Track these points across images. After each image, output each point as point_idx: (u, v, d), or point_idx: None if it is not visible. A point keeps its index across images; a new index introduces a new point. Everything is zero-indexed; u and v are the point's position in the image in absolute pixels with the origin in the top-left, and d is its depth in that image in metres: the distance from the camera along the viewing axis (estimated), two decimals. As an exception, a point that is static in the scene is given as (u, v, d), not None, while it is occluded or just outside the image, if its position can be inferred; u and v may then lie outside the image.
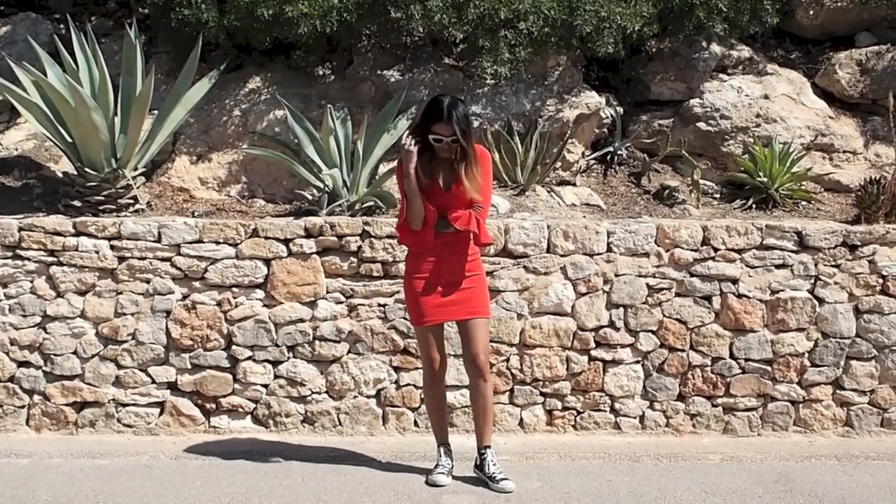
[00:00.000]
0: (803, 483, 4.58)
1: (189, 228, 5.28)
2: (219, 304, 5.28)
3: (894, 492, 4.49)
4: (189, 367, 5.30)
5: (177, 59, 6.33)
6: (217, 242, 5.28)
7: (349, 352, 5.31)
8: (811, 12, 7.03)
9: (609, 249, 5.33)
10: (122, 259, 5.27)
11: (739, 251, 5.33)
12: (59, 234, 5.26)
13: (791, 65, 7.02)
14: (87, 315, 5.28)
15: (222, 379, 5.30)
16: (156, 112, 5.85)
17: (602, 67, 6.83)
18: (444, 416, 4.67)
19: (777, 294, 5.33)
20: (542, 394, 5.34)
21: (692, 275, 5.33)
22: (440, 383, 4.61)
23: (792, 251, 5.35)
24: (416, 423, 5.31)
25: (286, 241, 5.28)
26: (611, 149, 6.56)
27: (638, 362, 5.36)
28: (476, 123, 5.95)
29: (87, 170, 5.57)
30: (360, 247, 5.28)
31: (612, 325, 5.33)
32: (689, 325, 5.33)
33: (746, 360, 5.35)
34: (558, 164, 6.27)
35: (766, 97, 6.57)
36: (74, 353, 5.28)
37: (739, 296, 5.32)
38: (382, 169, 5.98)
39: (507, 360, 5.32)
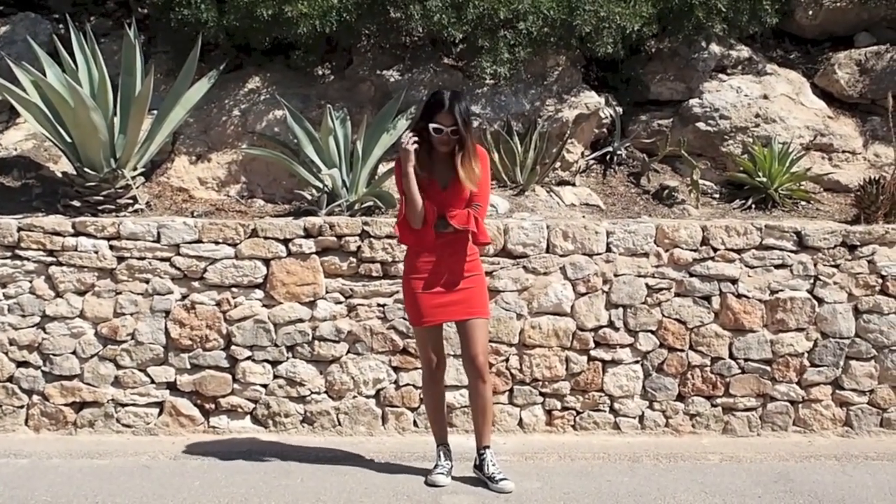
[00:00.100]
0: (803, 483, 4.58)
1: (188, 228, 5.28)
2: (218, 304, 5.27)
3: (894, 492, 4.49)
4: (188, 367, 5.30)
5: (176, 59, 6.33)
6: (216, 242, 5.28)
7: (348, 352, 5.31)
8: (810, 12, 7.03)
9: (608, 249, 5.33)
10: (121, 259, 5.27)
11: (739, 251, 5.33)
12: (58, 234, 5.26)
13: (790, 65, 7.03)
14: (87, 315, 5.27)
15: (221, 379, 5.30)
16: (155, 112, 5.85)
17: (601, 67, 6.83)
18: (443, 416, 4.67)
19: (776, 294, 5.33)
20: (541, 394, 5.34)
21: (691, 275, 5.33)
22: (439, 383, 4.61)
23: (791, 251, 5.35)
24: (415, 424, 5.31)
25: (285, 241, 5.28)
26: (610, 149, 6.56)
27: (637, 362, 5.36)
28: (475, 123, 5.94)
29: (86, 170, 5.56)
30: (359, 247, 5.27)
31: (611, 325, 5.33)
32: (689, 325, 5.33)
33: (746, 360, 5.35)
34: (558, 164, 6.27)
35: (766, 97, 6.58)
36: (73, 353, 5.28)
37: (739, 296, 5.32)
38: (382, 169, 5.98)
39: (507, 360, 5.32)
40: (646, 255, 5.34)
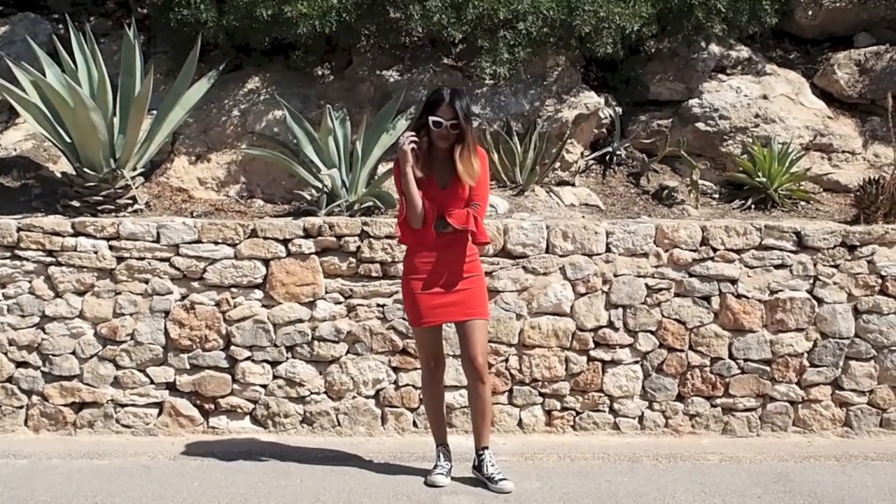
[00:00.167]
0: (802, 483, 4.58)
1: (188, 229, 5.28)
2: (217, 304, 5.27)
3: (893, 492, 4.49)
4: (188, 367, 5.29)
5: (176, 59, 6.33)
6: (216, 243, 5.27)
7: (348, 352, 5.31)
8: (810, 12, 7.03)
9: (608, 250, 5.33)
10: (120, 259, 5.26)
11: (738, 251, 5.33)
12: (57, 234, 5.26)
13: (790, 65, 7.03)
14: (86, 315, 5.27)
15: (221, 379, 5.30)
16: (154, 112, 5.85)
17: (601, 68, 6.83)
18: (442, 416, 4.67)
19: (776, 294, 5.33)
20: (541, 394, 5.34)
21: (691, 275, 5.33)
22: (439, 384, 4.61)
23: (791, 251, 5.35)
24: (414, 424, 5.31)
25: (285, 242, 5.28)
26: (610, 149, 6.56)
27: (637, 362, 5.36)
28: (475, 124, 5.94)
29: (85, 170, 5.56)
30: (358, 247, 5.27)
31: (611, 325, 5.33)
32: (688, 325, 5.33)
33: (745, 360, 5.35)
34: (557, 165, 6.27)
35: (765, 97, 6.58)
36: (73, 353, 5.28)
37: (738, 296, 5.32)
38: (381, 169, 5.98)
39: (506, 360, 5.32)
40: (645, 255, 5.33)
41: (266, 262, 5.28)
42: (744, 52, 6.87)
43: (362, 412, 5.31)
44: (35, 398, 5.28)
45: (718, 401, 5.37)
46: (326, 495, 4.34)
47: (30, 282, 5.26)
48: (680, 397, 5.37)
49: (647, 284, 5.32)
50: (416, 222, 4.32)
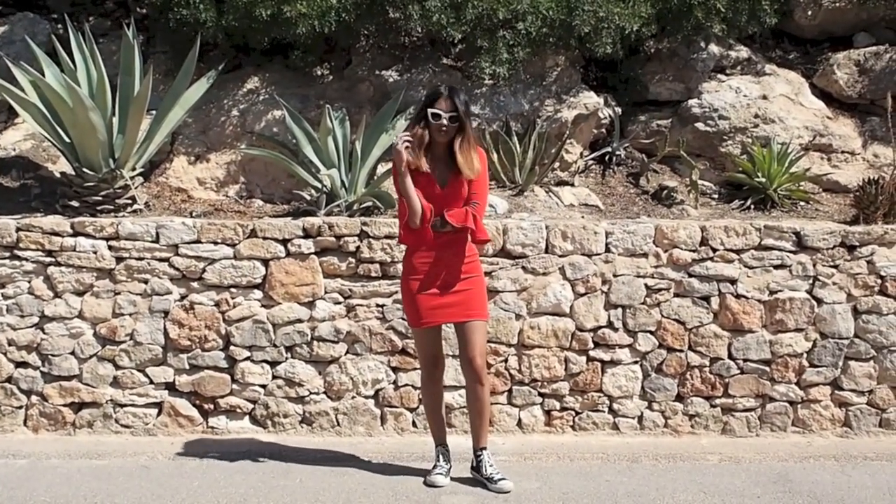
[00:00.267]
0: (802, 483, 4.58)
1: (187, 229, 5.27)
2: (217, 304, 5.27)
3: (893, 492, 4.49)
4: (187, 367, 5.29)
5: (175, 59, 6.33)
6: (215, 243, 5.27)
7: (347, 352, 5.31)
8: (809, 13, 7.03)
9: (607, 250, 5.33)
10: (119, 259, 5.26)
11: (738, 251, 5.33)
12: (56, 234, 5.25)
13: (789, 65, 7.03)
14: (85, 315, 5.27)
15: (220, 379, 5.29)
16: (154, 112, 5.85)
17: (600, 68, 6.83)
18: (442, 416, 4.67)
19: (775, 294, 5.33)
20: (540, 394, 5.34)
21: (690, 275, 5.33)
22: (438, 384, 4.61)
23: (790, 251, 5.35)
24: (414, 424, 5.31)
25: (284, 242, 5.27)
26: (609, 149, 6.56)
27: (636, 363, 5.36)
28: (474, 124, 5.94)
29: (84, 170, 5.56)
30: (358, 247, 5.27)
31: (610, 325, 5.33)
32: (688, 325, 5.33)
33: (745, 360, 5.35)
34: (556, 165, 6.27)
35: (765, 97, 6.58)
36: (72, 353, 5.27)
37: (738, 296, 5.32)
38: (381, 169, 5.98)
39: (506, 360, 5.32)
40: (645, 255, 5.33)
41: (265, 262, 5.28)
42: (743, 52, 6.87)
43: (362, 412, 5.31)
44: (34, 398, 5.28)
45: (718, 401, 5.36)
46: (326, 495, 4.33)
47: (29, 282, 5.25)
48: (679, 397, 5.37)
49: (646, 284, 5.32)
50: (414, 220, 4.32)
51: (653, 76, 6.73)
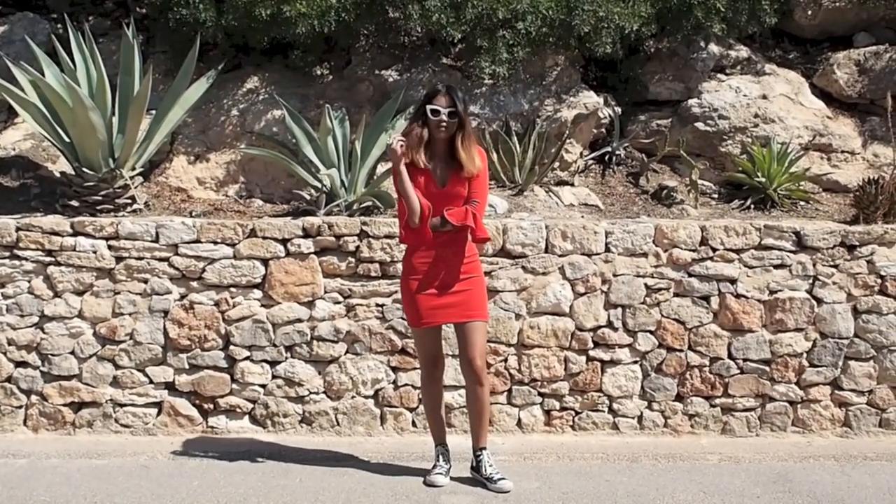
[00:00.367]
0: (801, 483, 4.58)
1: (187, 228, 5.27)
2: (216, 304, 5.27)
3: (893, 492, 4.49)
4: (187, 367, 5.29)
5: (174, 58, 6.33)
6: (215, 242, 5.27)
7: (347, 352, 5.31)
8: (809, 12, 7.03)
9: (607, 249, 5.33)
10: (119, 259, 5.26)
11: (738, 251, 5.33)
12: (56, 234, 5.25)
13: (789, 65, 7.03)
14: (85, 315, 5.27)
15: (220, 379, 5.29)
16: (153, 112, 5.85)
17: (600, 67, 6.83)
18: (441, 416, 4.67)
19: (775, 294, 5.33)
20: (540, 394, 5.34)
21: (690, 275, 5.33)
22: (438, 383, 4.61)
23: (790, 251, 5.34)
24: (413, 424, 5.31)
25: (284, 241, 5.27)
26: (609, 149, 6.56)
27: (636, 362, 5.36)
28: (474, 123, 5.94)
29: (84, 170, 5.56)
30: (357, 247, 5.27)
31: (610, 325, 5.33)
32: (688, 325, 5.33)
33: (745, 360, 5.34)
34: (556, 164, 6.27)
35: (765, 97, 6.58)
36: (72, 353, 5.27)
37: (738, 296, 5.32)
38: (380, 169, 5.98)
39: (506, 360, 5.32)
40: (645, 255, 5.33)
41: (265, 261, 5.28)
42: (743, 51, 6.87)
43: (361, 412, 5.31)
44: (34, 398, 5.28)
45: (717, 401, 5.36)
46: (325, 495, 4.33)
47: (29, 281, 5.25)
48: (679, 397, 5.37)
49: (646, 284, 5.32)
50: (413, 219, 4.31)
51: (653, 76, 6.73)
